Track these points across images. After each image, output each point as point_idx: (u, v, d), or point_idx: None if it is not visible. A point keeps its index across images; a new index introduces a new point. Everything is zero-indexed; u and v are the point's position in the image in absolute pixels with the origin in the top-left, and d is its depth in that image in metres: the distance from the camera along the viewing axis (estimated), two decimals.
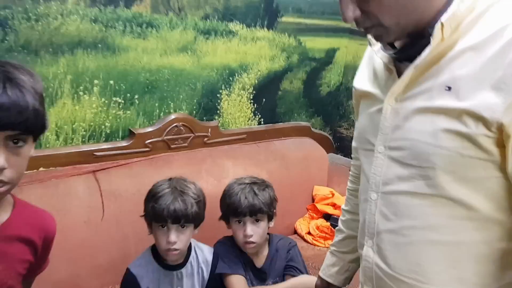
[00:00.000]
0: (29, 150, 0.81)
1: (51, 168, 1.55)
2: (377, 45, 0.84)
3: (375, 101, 0.86)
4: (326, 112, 2.51)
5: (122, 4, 1.61)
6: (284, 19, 2.11)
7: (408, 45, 0.78)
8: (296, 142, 2.20)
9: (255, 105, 2.11)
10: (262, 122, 2.17)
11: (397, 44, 0.81)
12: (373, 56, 0.90)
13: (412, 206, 0.77)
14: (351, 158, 1.09)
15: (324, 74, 2.43)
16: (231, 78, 1.97)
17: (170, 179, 1.37)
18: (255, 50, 2.03)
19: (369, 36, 0.83)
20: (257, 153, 2.01)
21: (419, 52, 0.75)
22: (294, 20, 2.17)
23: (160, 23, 1.71)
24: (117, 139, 1.70)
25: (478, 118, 0.68)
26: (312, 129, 2.32)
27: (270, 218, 1.45)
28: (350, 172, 1.14)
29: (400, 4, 0.72)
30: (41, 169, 1.53)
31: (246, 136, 2.03)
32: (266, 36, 2.06)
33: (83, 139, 1.63)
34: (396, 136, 0.79)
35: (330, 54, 2.41)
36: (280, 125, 2.22)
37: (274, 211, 1.47)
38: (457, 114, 0.70)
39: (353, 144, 1.08)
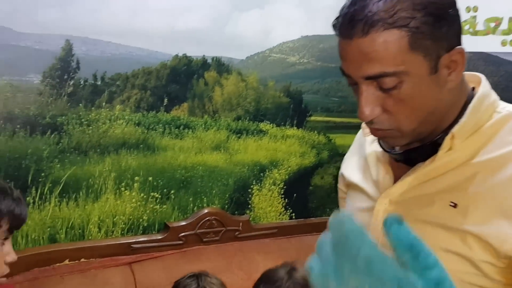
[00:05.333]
0: None
1: (91, 259, 1.64)
2: (372, 135, 0.77)
3: (366, 197, 0.81)
4: None
5: (162, 109, 1.81)
6: (313, 118, 2.25)
7: (411, 149, 0.72)
8: None
9: (286, 199, 2.17)
10: (293, 217, 2.21)
11: (397, 148, 0.76)
12: (364, 144, 0.85)
13: None
14: None
15: None
16: (262, 174, 2.08)
17: (195, 275, 1.42)
18: (285, 147, 2.15)
19: (363, 125, 0.78)
20: (288, 248, 2.02)
21: (421, 157, 0.70)
22: (323, 118, 2.30)
23: (196, 125, 1.89)
24: (153, 232, 1.80)
25: (485, 244, 0.63)
26: None
27: None
28: None
29: (422, 109, 0.66)
30: (82, 259, 1.63)
31: (277, 231, 2.06)
32: (295, 134, 2.19)
33: (122, 232, 1.74)
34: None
35: None
36: (312, 220, 2.24)
37: None
38: (461, 234, 0.64)
39: None
